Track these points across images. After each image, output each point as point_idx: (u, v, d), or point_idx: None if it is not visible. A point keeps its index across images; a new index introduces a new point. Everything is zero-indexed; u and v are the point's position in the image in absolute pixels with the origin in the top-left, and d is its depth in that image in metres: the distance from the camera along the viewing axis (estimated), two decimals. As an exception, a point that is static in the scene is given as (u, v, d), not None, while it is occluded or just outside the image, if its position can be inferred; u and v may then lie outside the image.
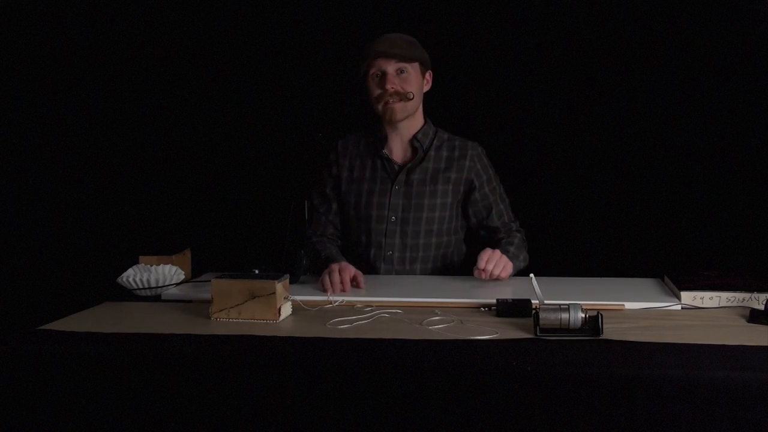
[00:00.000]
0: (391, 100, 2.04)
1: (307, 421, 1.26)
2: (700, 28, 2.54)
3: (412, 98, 2.06)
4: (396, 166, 2.14)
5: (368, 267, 2.13)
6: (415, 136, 2.14)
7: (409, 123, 2.12)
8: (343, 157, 2.19)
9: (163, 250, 1.97)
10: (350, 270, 1.85)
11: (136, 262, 1.91)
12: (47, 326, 1.51)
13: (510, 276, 1.98)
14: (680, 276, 1.79)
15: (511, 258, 1.99)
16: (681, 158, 2.63)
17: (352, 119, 2.69)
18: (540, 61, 2.68)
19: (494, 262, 1.90)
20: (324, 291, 1.80)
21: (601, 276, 2.00)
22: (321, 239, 2.16)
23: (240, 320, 1.54)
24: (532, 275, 1.54)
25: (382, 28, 2.17)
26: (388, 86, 2.03)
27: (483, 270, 1.89)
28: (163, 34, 2.82)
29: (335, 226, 2.20)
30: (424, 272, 2.12)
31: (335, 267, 1.84)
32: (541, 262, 2.05)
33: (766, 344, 1.33)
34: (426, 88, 2.14)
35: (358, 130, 2.25)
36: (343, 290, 1.80)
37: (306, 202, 1.99)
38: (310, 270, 2.00)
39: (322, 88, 2.79)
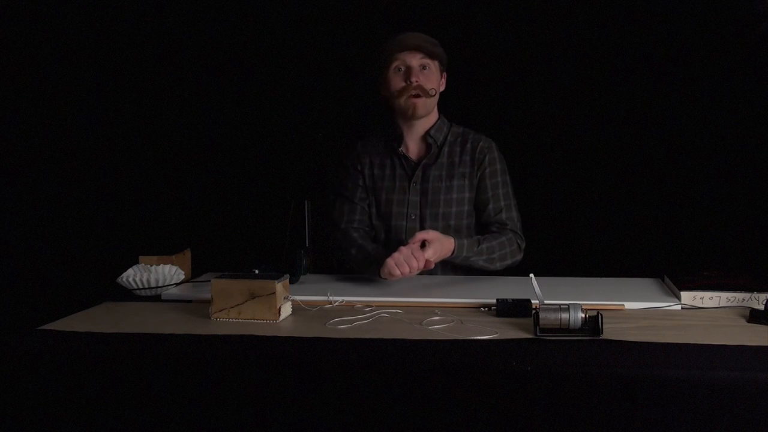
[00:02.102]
0: (413, 94, 2.05)
1: (307, 421, 1.26)
2: (700, 28, 2.54)
3: (434, 95, 2.08)
4: (412, 163, 2.15)
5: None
6: (428, 132, 2.14)
7: (424, 119, 2.13)
8: (364, 156, 2.19)
9: (163, 250, 1.97)
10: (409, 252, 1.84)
11: (136, 262, 1.91)
12: (47, 326, 1.51)
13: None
14: (680, 276, 1.79)
15: (468, 252, 1.97)
16: (681, 158, 2.63)
17: (353, 120, 2.70)
18: (541, 62, 2.68)
19: (405, 266, 1.84)
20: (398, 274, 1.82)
21: (601, 276, 2.00)
22: (361, 232, 2.12)
23: (240, 320, 1.54)
24: (531, 275, 1.54)
25: (387, 27, 2.17)
26: (413, 79, 2.04)
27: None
28: (163, 34, 2.82)
29: (370, 217, 2.17)
30: (444, 267, 2.11)
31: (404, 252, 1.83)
32: (541, 262, 2.04)
33: (766, 344, 1.33)
34: (441, 88, 2.15)
35: (362, 130, 2.26)
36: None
37: (306, 202, 1.98)
38: (310, 270, 2.00)
39: (322, 89, 2.79)
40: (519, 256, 2.12)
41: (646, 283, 1.90)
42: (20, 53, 2.86)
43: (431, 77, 2.08)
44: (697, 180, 2.62)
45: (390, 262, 1.82)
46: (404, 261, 1.82)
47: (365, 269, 1.99)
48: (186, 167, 2.88)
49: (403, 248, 1.84)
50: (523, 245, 2.14)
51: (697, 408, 1.17)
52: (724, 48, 2.53)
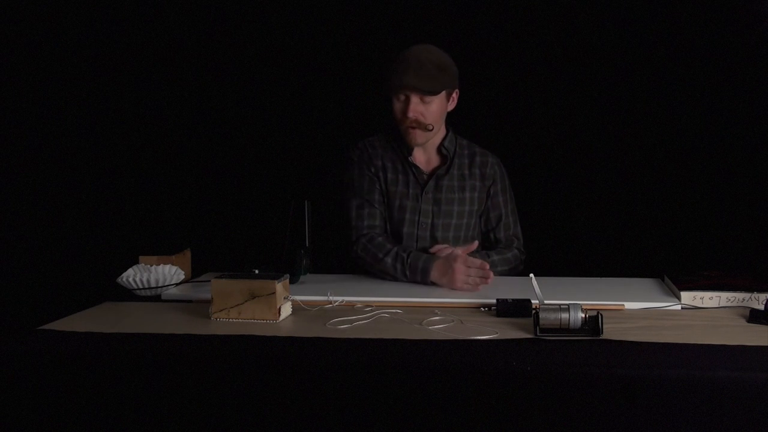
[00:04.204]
0: (410, 127, 2.03)
1: (307, 421, 1.26)
2: (700, 28, 2.54)
3: (432, 129, 2.05)
4: (424, 174, 2.14)
5: None
6: (442, 144, 2.14)
7: (436, 134, 2.11)
8: (375, 158, 2.15)
9: (163, 250, 1.97)
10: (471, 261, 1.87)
11: (136, 262, 1.91)
12: (47, 326, 1.51)
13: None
14: (680, 276, 1.79)
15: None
16: (681, 158, 2.63)
17: (353, 120, 2.70)
18: (540, 62, 2.68)
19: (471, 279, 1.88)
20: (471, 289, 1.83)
21: (601, 276, 2.00)
22: (384, 237, 2.08)
23: (240, 320, 1.54)
24: (532, 275, 1.54)
25: (388, 28, 2.16)
26: (410, 114, 2.01)
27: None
28: (163, 34, 2.81)
29: (386, 222, 2.14)
30: None
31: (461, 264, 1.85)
32: (541, 262, 2.05)
33: (766, 344, 1.33)
34: (450, 107, 2.11)
35: (363, 131, 2.25)
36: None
37: (306, 202, 1.98)
38: (310, 269, 2.00)
39: (323, 89, 2.79)
40: (521, 267, 2.18)
41: (646, 283, 1.90)
42: (20, 53, 2.86)
43: (432, 109, 2.02)
44: (697, 180, 2.62)
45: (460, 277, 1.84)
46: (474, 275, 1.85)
47: (407, 277, 1.95)
48: (186, 167, 2.88)
49: (467, 259, 1.86)
50: (524, 258, 2.20)
51: (697, 408, 1.17)
52: (724, 48, 2.53)
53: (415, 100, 2.01)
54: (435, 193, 2.12)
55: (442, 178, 2.13)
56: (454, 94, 2.10)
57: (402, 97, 2.03)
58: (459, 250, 1.92)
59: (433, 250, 2.00)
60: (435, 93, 2.00)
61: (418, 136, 2.06)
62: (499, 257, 2.09)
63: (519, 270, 2.16)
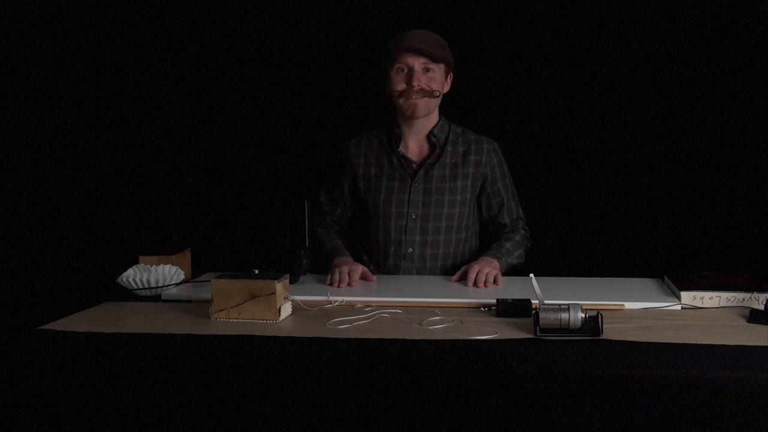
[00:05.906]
0: (414, 97, 2.04)
1: (307, 421, 1.26)
2: (700, 28, 2.54)
3: (438, 96, 2.08)
4: (413, 164, 2.14)
5: (387, 264, 2.14)
6: (431, 132, 2.14)
7: (425, 120, 2.13)
8: (357, 156, 2.19)
9: (163, 250, 1.97)
10: (357, 268, 1.95)
11: (136, 262, 1.91)
12: (47, 326, 1.51)
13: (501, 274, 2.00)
14: (680, 276, 1.79)
15: (502, 255, 2.06)
16: (681, 158, 2.63)
17: (353, 120, 2.70)
18: (541, 62, 2.68)
19: (483, 277, 1.90)
20: (331, 285, 1.89)
21: (601, 276, 2.00)
22: (327, 230, 2.20)
23: (240, 320, 1.54)
24: (532, 275, 1.54)
25: (388, 27, 2.16)
26: (415, 83, 2.03)
27: (474, 285, 1.90)
28: (163, 33, 2.81)
29: (340, 226, 2.25)
30: (444, 268, 2.12)
31: (342, 263, 1.94)
32: (541, 262, 2.04)
33: (766, 344, 1.33)
34: (445, 88, 2.14)
35: (362, 130, 2.26)
36: (349, 285, 1.88)
37: (306, 202, 1.99)
38: (310, 269, 2.00)
39: (323, 89, 2.79)
40: (529, 245, 2.23)
41: (646, 283, 1.90)
42: (20, 53, 2.86)
43: (435, 78, 2.07)
44: (697, 180, 2.62)
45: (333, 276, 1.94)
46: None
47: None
48: (186, 167, 2.87)
49: (352, 263, 1.98)
50: (529, 235, 2.25)
51: (697, 408, 1.17)
52: (724, 48, 2.53)
53: (418, 68, 2.03)
54: (425, 183, 2.12)
55: (432, 167, 2.13)
56: (448, 77, 2.15)
57: (404, 68, 2.05)
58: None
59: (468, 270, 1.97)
60: (439, 60, 2.05)
61: (421, 106, 2.06)
62: (510, 244, 2.12)
63: (528, 248, 2.20)
